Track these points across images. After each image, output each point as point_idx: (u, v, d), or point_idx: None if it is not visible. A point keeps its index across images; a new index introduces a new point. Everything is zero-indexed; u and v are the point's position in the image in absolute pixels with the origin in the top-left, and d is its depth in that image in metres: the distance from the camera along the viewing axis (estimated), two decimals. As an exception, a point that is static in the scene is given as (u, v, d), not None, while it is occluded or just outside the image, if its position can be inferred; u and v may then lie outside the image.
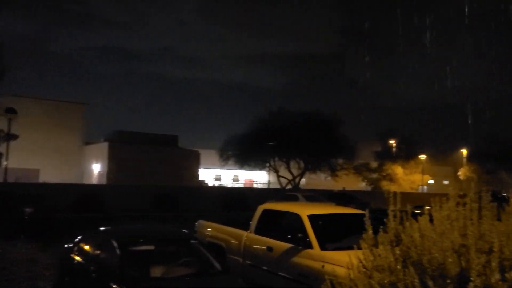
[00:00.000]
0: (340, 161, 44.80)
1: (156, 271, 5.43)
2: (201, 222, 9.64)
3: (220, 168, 51.82)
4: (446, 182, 63.15)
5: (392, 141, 51.75)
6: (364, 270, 3.09)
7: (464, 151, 57.38)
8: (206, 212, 21.31)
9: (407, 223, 3.12)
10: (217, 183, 55.88)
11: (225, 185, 50.19)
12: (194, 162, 48.38)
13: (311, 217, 6.92)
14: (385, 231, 3.31)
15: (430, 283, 2.62)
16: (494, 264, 2.47)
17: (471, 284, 2.48)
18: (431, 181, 57.44)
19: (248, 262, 7.54)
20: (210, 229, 9.07)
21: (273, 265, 6.91)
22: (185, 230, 7.08)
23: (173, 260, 5.76)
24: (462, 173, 55.59)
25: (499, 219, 3.01)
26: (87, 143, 48.93)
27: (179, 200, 27.34)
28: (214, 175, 59.21)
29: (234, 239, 8.06)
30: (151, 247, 5.95)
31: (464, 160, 56.88)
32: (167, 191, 27.71)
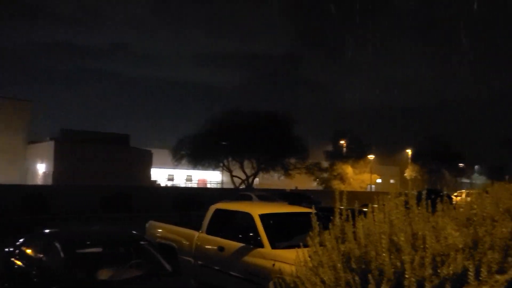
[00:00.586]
0: (293, 160, 45.55)
1: (104, 274, 5.31)
2: (152, 222, 9.50)
3: (173, 168, 51.15)
4: (392, 181, 65.77)
5: (342, 142, 53.25)
6: (310, 266, 3.20)
7: (409, 152, 60.08)
8: (158, 213, 21.00)
9: (351, 221, 3.26)
10: (169, 183, 55.09)
11: (178, 185, 49.57)
12: (146, 162, 47.39)
13: (263, 216, 7.02)
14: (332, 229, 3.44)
15: (370, 280, 2.75)
16: (427, 260, 2.64)
17: (406, 280, 2.63)
18: (379, 180, 59.59)
19: (199, 262, 7.53)
20: (161, 229, 8.96)
21: (225, 265, 6.95)
22: (134, 232, 6.96)
23: (121, 263, 5.65)
24: (407, 172, 58.22)
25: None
26: (32, 142, 46.67)
27: (131, 201, 26.74)
28: (167, 175, 58.33)
29: (186, 239, 8.02)
30: (98, 250, 5.81)
31: (409, 160, 59.58)
32: (118, 192, 27.01)
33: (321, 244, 3.28)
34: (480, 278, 2.50)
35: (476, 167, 71.30)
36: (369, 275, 2.68)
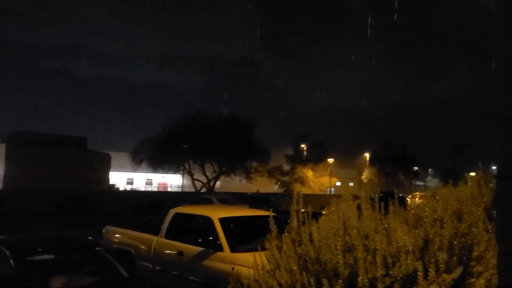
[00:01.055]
0: (255, 164, 45.71)
1: (57, 282, 5.13)
2: (109, 227, 9.26)
3: (132, 172, 50.08)
4: (351, 184, 67.34)
5: (303, 145, 53.99)
6: (267, 269, 3.23)
7: (367, 155, 61.75)
8: (117, 217, 20.51)
9: (307, 224, 3.32)
10: (129, 187, 53.90)
11: (137, 189, 48.57)
12: (105, 165, 46.19)
13: (222, 220, 7.01)
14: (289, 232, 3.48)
15: (324, 281, 2.81)
16: (378, 261, 2.72)
17: (360, 280, 2.71)
18: (338, 183, 60.86)
19: (158, 267, 7.41)
20: (118, 235, 8.75)
21: (184, 270, 6.87)
22: (90, 237, 6.77)
23: (76, 269, 5.48)
24: (365, 175, 59.79)
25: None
26: (-19, 144, 44.36)
27: (88, 205, 25.95)
28: (126, 178, 57.04)
29: (144, 244, 7.87)
30: (51, 256, 5.61)
31: (367, 163, 61.22)
32: (73, 196, 26.16)
33: (279, 247, 3.32)
34: (429, 277, 2.61)
35: (430, 170, 74.16)
36: (323, 277, 2.74)
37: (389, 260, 2.71)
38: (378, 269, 2.64)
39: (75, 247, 6.17)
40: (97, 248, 6.10)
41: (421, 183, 71.35)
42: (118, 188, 49.15)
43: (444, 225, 2.80)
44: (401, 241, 2.76)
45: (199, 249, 6.76)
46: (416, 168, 63.75)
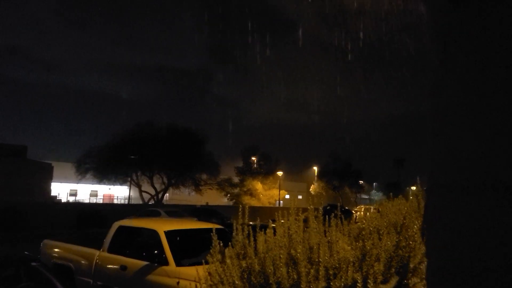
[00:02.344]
0: (204, 176, 45.27)
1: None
2: (47, 242, 8.80)
3: (76, 183, 48.02)
4: (300, 197, 68.36)
5: (253, 158, 54.29)
6: (211, 283, 3.20)
7: (315, 169, 63.12)
8: (58, 230, 19.55)
9: (251, 237, 3.33)
10: (72, 199, 51.59)
11: (81, 201, 46.58)
12: (46, 176, 43.94)
13: (168, 233, 6.87)
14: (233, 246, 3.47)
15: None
16: (321, 273, 2.78)
17: (302, 293, 2.75)
18: (287, 196, 61.62)
19: (99, 283, 7.12)
20: (57, 249, 8.33)
21: (127, 285, 6.65)
22: (26, 252, 6.40)
23: (10, 286, 5.15)
24: (313, 188, 61.00)
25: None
26: None
27: (27, 218, 24.51)
28: (69, 190, 54.60)
29: (85, 259, 7.55)
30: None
31: (315, 177, 62.55)
32: (11, 207, 24.62)
33: (222, 261, 3.30)
34: (367, 288, 2.70)
35: (374, 184, 76.87)
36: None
37: (331, 272, 2.78)
38: (320, 282, 2.69)
39: (9, 263, 5.81)
40: (33, 264, 5.77)
41: (366, 196, 73.76)
42: (60, 200, 46.89)
43: (381, 237, 2.91)
44: (342, 253, 2.83)
45: (143, 263, 6.58)
46: (361, 181, 65.88)
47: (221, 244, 3.61)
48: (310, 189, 61.43)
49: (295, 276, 2.74)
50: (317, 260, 2.91)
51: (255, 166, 53.93)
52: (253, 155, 54.06)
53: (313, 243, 2.92)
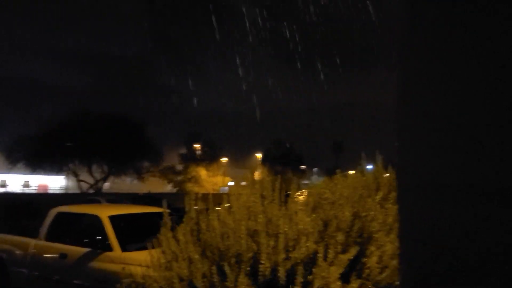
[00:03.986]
0: (147, 164, 44.20)
1: None
2: (-26, 232, 8.12)
3: (6, 173, 45.02)
4: (243, 183, 68.84)
5: (197, 145, 53.72)
6: (163, 262, 3.03)
7: (258, 155, 63.76)
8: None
9: (205, 213, 3.20)
10: (1, 190, 48.39)
11: (12, 191, 43.78)
12: (-29, 165, 40.77)
13: (112, 218, 6.59)
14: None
15: (227, 269, 2.71)
16: (280, 245, 2.71)
17: (262, 266, 2.66)
18: (231, 183, 61.77)
19: (36, 273, 6.69)
20: (-13, 240, 7.70)
21: (67, 273, 6.30)
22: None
23: None
24: (256, 175, 61.64)
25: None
26: None
27: None
28: (-1, 180, 51.18)
29: (19, 248, 7.05)
30: None
31: (259, 163, 63.21)
32: None
33: (176, 238, 3.14)
34: (327, 259, 2.67)
35: (314, 169, 79.13)
36: (225, 265, 2.64)
37: (291, 244, 2.71)
38: (280, 253, 2.61)
39: None
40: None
41: (307, 182, 75.72)
42: (-13, 191, 43.81)
43: (341, 207, 2.89)
44: (301, 224, 2.77)
45: (85, 250, 6.25)
46: (303, 167, 67.50)
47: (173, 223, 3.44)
48: (254, 175, 62.02)
49: (254, 248, 2.64)
50: (275, 232, 2.83)
51: (198, 153, 53.44)
52: (197, 142, 53.52)
53: (272, 215, 2.84)
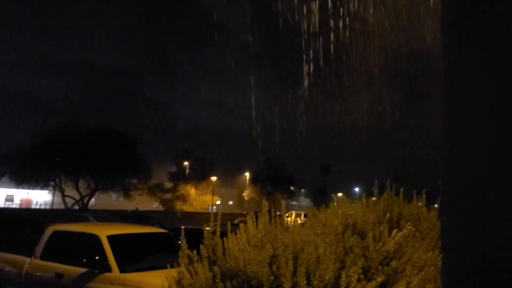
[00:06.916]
0: (135, 181, 43.67)
1: None
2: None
3: (-11, 187, 44.10)
4: (231, 202, 68.33)
5: (186, 163, 53.35)
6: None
7: (247, 174, 63.51)
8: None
9: (224, 238, 3.17)
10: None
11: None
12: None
13: (111, 238, 6.46)
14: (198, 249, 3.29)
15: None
16: (301, 269, 2.70)
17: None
18: (218, 202, 61.25)
19: (30, 293, 6.51)
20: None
21: None
22: None
23: None
24: (246, 194, 61.33)
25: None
26: None
27: None
28: (-21, 194, 49.99)
29: (13, 267, 6.87)
30: None
31: (248, 182, 62.95)
32: None
33: (193, 262, 3.10)
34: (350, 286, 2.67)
35: (302, 190, 79.00)
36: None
37: (311, 269, 2.71)
38: (302, 277, 2.61)
39: None
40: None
41: (295, 203, 75.49)
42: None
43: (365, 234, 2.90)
44: (321, 249, 2.77)
45: (82, 270, 6.11)
46: (292, 188, 67.39)
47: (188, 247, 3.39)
48: (243, 194, 61.66)
49: (276, 272, 2.63)
50: (294, 257, 2.83)
51: (188, 171, 53.00)
52: (187, 160, 53.15)
53: (289, 242, 2.84)
